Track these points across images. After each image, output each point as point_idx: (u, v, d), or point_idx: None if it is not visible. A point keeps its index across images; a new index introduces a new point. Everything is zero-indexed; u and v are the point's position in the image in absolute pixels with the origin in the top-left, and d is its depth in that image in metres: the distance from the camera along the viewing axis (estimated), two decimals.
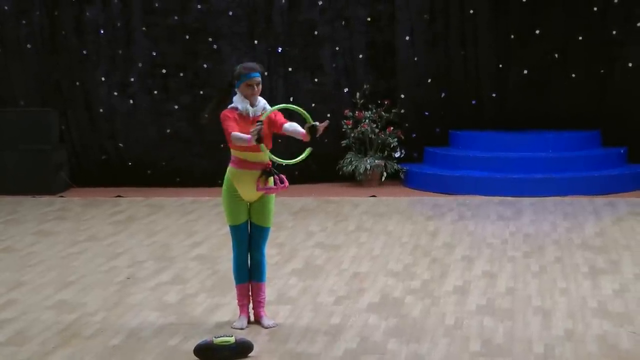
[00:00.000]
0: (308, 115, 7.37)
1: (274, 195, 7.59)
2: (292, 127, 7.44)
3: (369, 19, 14.79)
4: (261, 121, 7.22)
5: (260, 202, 7.53)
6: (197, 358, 6.91)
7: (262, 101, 7.54)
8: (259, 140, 7.17)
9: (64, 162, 14.60)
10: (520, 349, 7.02)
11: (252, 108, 7.47)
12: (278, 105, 7.50)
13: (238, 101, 7.48)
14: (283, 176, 7.53)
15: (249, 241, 7.60)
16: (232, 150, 7.50)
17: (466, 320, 7.70)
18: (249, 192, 7.47)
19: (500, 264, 9.54)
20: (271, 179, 7.47)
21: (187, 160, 14.76)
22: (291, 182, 13.89)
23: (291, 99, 14.66)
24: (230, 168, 7.52)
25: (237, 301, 7.74)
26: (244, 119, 7.45)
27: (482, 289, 8.62)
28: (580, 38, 14.57)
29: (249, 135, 7.16)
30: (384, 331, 7.46)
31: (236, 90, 7.51)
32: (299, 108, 7.39)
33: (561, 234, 10.98)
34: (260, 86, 7.50)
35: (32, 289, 8.88)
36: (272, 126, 7.47)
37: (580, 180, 13.54)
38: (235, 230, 7.58)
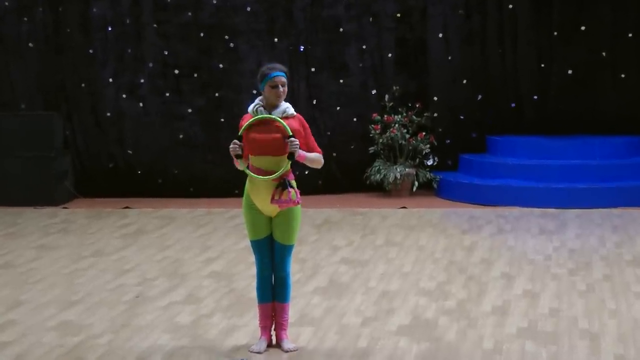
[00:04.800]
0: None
1: (299, 211, 7.51)
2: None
3: (398, 15, 14.78)
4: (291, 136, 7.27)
5: (283, 217, 7.46)
6: None
7: (283, 105, 7.47)
8: (239, 155, 7.31)
9: (68, 170, 14.63)
10: None
11: (262, 109, 7.41)
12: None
13: (257, 103, 7.46)
14: (298, 191, 7.44)
15: (271, 258, 7.55)
16: (249, 158, 7.46)
17: (506, 345, 7.64)
18: (264, 203, 7.41)
19: (543, 282, 9.49)
20: (286, 191, 7.35)
21: (201, 168, 14.76)
22: (315, 192, 14.23)
23: (314, 102, 14.66)
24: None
25: (258, 322, 7.70)
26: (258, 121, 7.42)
27: (523, 310, 8.56)
28: (630, 35, 14.52)
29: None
30: (415, 356, 7.41)
31: (261, 92, 7.48)
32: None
33: (610, 249, 10.92)
34: (286, 88, 7.44)
35: (33, 309, 8.87)
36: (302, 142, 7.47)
37: (630, 190, 13.50)
38: (255, 245, 7.54)
